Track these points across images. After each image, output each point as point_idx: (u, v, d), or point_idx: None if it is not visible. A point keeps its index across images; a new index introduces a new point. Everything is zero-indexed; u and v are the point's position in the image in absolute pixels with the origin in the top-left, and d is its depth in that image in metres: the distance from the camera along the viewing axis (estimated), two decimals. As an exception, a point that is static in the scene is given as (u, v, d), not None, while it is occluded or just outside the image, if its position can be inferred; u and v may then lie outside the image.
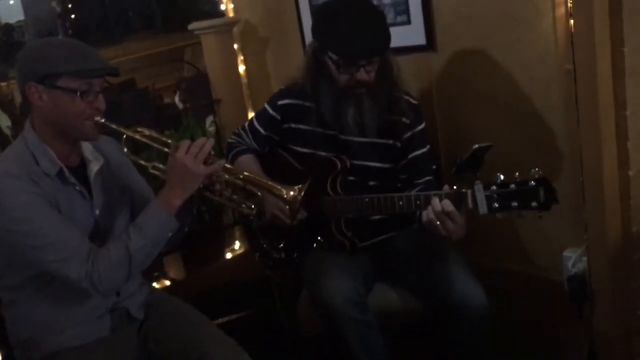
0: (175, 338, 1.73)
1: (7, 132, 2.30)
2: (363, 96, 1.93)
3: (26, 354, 1.69)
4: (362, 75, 1.88)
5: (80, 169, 1.69)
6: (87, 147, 1.71)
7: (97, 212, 1.69)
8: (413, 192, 1.84)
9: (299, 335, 2.19)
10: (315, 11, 2.00)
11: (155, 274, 2.68)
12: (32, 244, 1.53)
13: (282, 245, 2.13)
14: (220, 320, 2.24)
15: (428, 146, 2.03)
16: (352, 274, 1.92)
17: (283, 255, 2.14)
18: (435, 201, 1.70)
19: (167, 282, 2.69)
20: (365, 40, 1.86)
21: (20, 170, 1.55)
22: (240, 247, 2.95)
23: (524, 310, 2.20)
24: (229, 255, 2.93)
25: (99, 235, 1.68)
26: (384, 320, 1.93)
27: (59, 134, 1.62)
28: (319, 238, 2.04)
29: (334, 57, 1.89)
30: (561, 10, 1.86)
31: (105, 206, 1.72)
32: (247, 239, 2.32)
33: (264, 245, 2.18)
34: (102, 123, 1.61)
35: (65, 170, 1.62)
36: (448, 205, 1.68)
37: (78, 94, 1.55)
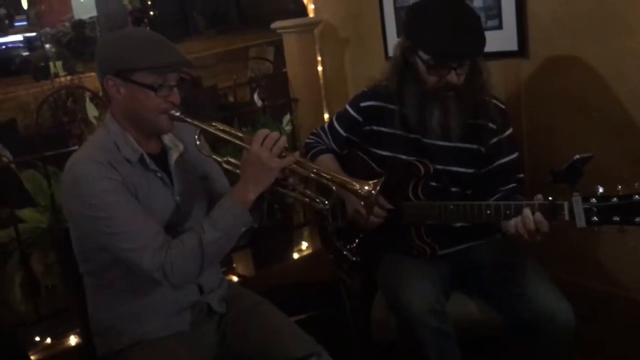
0: (254, 333, 1.72)
1: (94, 121, 2.36)
2: (450, 99, 1.88)
3: (108, 342, 1.70)
4: (452, 77, 1.83)
5: (160, 156, 1.70)
6: (167, 134, 1.72)
7: (177, 198, 1.70)
8: (502, 202, 1.78)
9: (371, 340, 2.16)
10: (409, 9, 1.96)
11: (224, 269, 2.69)
12: (109, 230, 1.54)
13: (358, 248, 2.10)
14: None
15: (517, 153, 1.96)
16: (432, 281, 1.87)
17: (359, 258, 2.11)
18: (528, 213, 1.64)
19: (235, 278, 2.70)
20: (460, 41, 1.80)
21: (102, 156, 1.57)
22: (308, 247, 2.94)
23: (607, 329, 2.11)
24: (296, 255, 2.93)
25: (179, 221, 1.69)
26: (461, 331, 1.87)
27: (136, 126, 1.64)
28: (398, 243, 2.00)
29: (425, 57, 1.84)
30: (671, 19, 1.78)
31: (186, 193, 1.72)
32: (321, 240, 2.30)
33: (339, 247, 2.15)
34: (177, 116, 1.61)
35: (146, 156, 1.64)
36: (541, 219, 1.63)
37: (153, 88, 1.56)
